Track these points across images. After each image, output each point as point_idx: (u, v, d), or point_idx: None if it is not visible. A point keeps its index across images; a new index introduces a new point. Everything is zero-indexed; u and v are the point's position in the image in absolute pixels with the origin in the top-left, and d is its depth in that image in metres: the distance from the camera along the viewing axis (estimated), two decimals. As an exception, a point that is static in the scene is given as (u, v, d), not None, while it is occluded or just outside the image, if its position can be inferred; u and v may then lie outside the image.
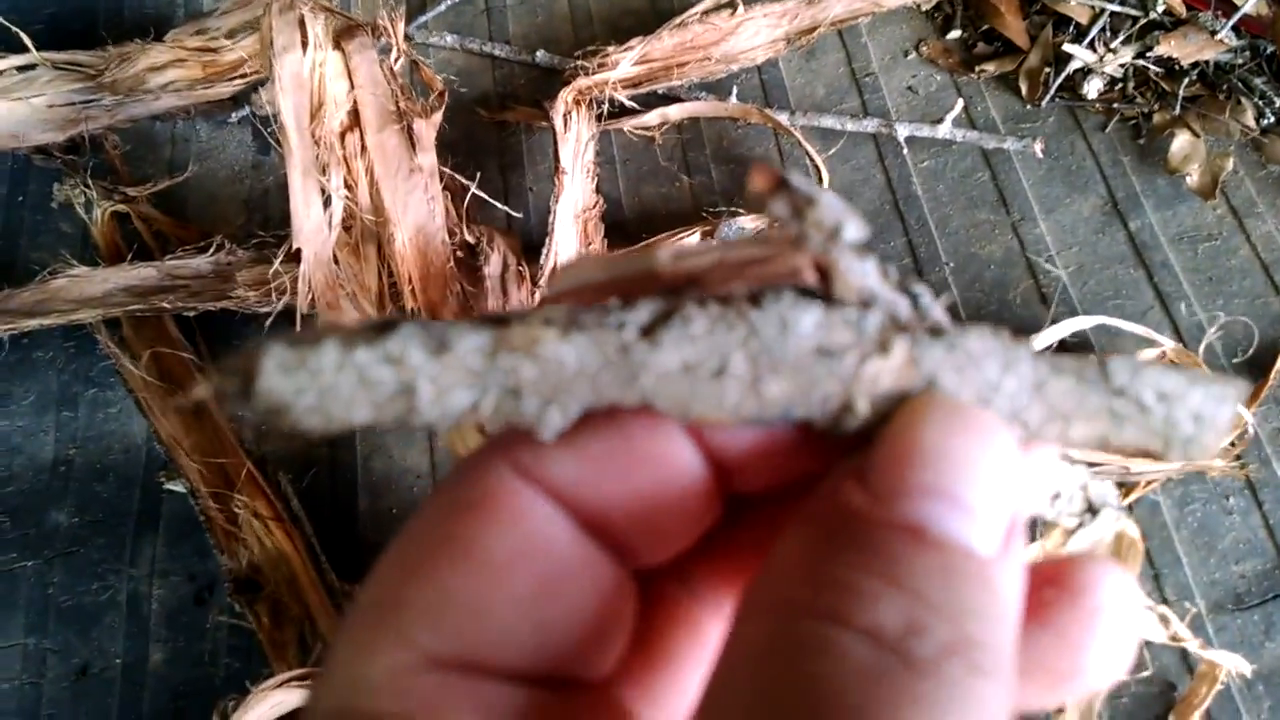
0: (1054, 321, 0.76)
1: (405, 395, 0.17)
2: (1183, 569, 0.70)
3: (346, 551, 0.76)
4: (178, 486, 0.78)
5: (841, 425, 0.18)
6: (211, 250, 0.82)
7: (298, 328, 0.74)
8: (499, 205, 0.84)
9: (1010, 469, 0.18)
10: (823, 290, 0.18)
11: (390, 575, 0.18)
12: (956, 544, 0.17)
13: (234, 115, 0.95)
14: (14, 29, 0.90)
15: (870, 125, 0.85)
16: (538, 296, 0.76)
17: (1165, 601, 0.69)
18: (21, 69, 0.92)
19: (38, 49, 0.91)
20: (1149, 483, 0.70)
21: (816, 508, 0.18)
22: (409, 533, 0.19)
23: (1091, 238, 0.81)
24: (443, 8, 0.97)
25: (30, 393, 0.85)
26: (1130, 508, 0.71)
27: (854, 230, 0.18)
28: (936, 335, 0.18)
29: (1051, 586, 0.19)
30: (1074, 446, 0.19)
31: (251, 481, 0.77)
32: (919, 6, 0.92)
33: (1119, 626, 0.19)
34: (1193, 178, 0.81)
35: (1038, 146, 0.83)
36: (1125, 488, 0.70)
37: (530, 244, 0.82)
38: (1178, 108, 0.83)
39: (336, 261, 0.75)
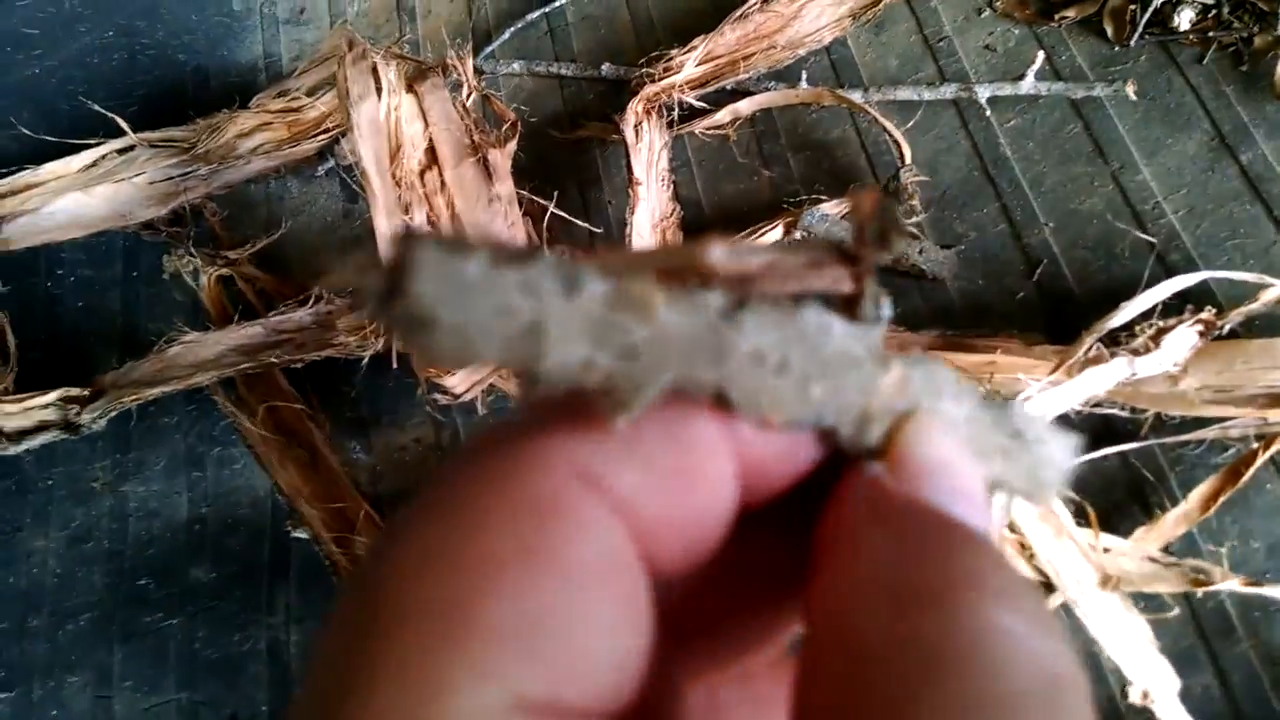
0: (1170, 271, 0.72)
1: (534, 335, 0.15)
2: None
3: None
4: (304, 534, 0.81)
5: (862, 437, 0.19)
6: (311, 302, 0.84)
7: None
8: (580, 223, 0.84)
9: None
10: (845, 306, 0.19)
11: (452, 583, 0.14)
12: (975, 526, 0.18)
13: (321, 169, 0.97)
14: (111, 115, 0.95)
15: (949, 91, 0.82)
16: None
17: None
18: (121, 151, 0.97)
19: (134, 130, 0.95)
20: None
21: (864, 513, 0.18)
22: (458, 529, 0.15)
23: (1200, 177, 0.76)
24: (507, 35, 0.98)
25: (161, 458, 0.88)
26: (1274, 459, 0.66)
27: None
28: (915, 363, 0.19)
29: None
30: (998, 487, 0.21)
31: (370, 522, 0.79)
32: (988, -38, 0.89)
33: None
34: (1306, 99, 0.75)
35: (1130, 89, 0.78)
36: (1266, 438, 0.66)
37: (615, 257, 0.82)
38: (1279, 27, 0.77)
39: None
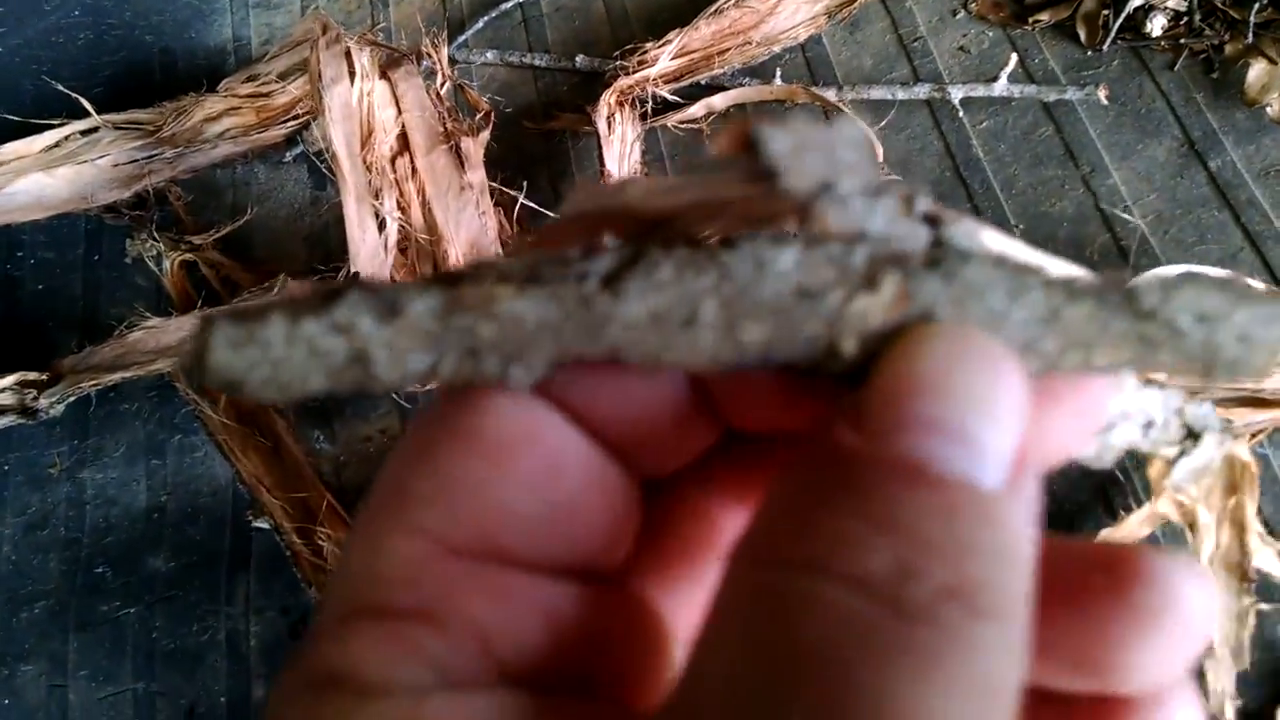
0: (1136, 274, 0.73)
1: (359, 362, 0.16)
2: (1300, 522, 0.66)
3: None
4: (265, 524, 0.80)
5: (829, 367, 0.17)
6: (275, 289, 0.83)
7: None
8: (551, 215, 0.84)
9: (1017, 397, 0.16)
10: (803, 232, 0.17)
11: (398, 468, 0.18)
12: (958, 479, 0.15)
13: (289, 154, 0.96)
14: (75, 95, 0.93)
15: (922, 91, 0.83)
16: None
17: (1285, 558, 0.65)
18: (85, 132, 0.95)
19: (98, 111, 0.94)
20: (1255, 434, 0.66)
21: (807, 450, 0.16)
22: (410, 432, 0.18)
23: (1169, 182, 0.77)
24: (481, 24, 0.97)
25: (120, 444, 0.87)
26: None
27: (852, 181, 0.17)
28: (933, 266, 0.17)
29: (1102, 573, 0.17)
30: (1100, 373, 0.17)
31: (333, 513, 0.78)
32: (964, -37, 0.89)
33: (1181, 631, 0.17)
34: (1274, 107, 0.76)
35: (1102, 93, 0.79)
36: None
37: (586, 250, 0.82)
38: (1250, 35, 0.78)
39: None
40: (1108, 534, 0.66)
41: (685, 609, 0.21)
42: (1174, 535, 0.66)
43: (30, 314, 0.95)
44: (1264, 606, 0.62)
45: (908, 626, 0.14)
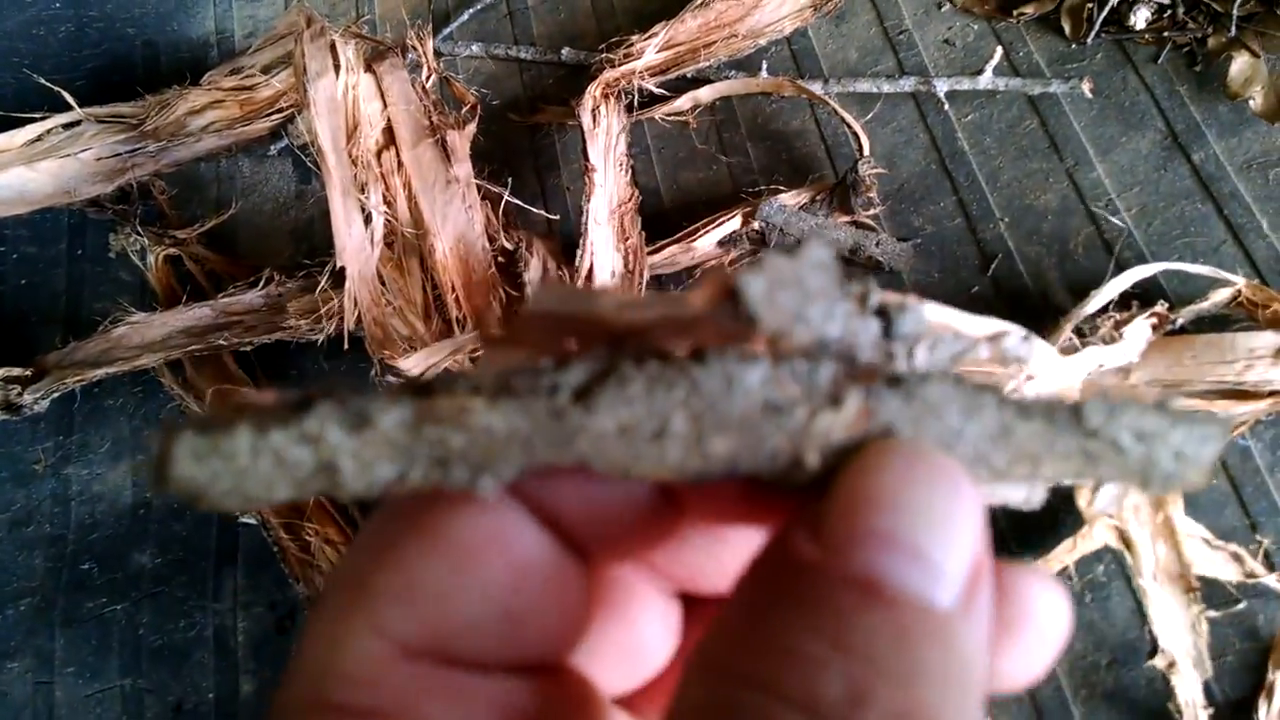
0: (1120, 267, 0.73)
1: (326, 472, 0.16)
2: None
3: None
4: (252, 520, 0.79)
5: (792, 478, 0.17)
6: (261, 284, 0.83)
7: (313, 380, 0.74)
8: (536, 211, 0.84)
9: (972, 516, 0.16)
10: (769, 346, 0.18)
11: (359, 561, 0.18)
12: (912, 598, 0.15)
13: (274, 148, 0.96)
14: (57, 89, 0.93)
15: (908, 84, 0.83)
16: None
17: (1266, 553, 0.66)
18: (67, 126, 0.94)
19: (80, 105, 0.93)
20: (1236, 426, 0.67)
21: (764, 561, 0.17)
22: (376, 522, 0.18)
23: (1153, 175, 0.77)
24: (466, 17, 0.97)
25: (105, 440, 0.87)
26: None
27: (819, 307, 0.17)
28: (894, 385, 0.17)
29: None
30: (1046, 482, 0.19)
31: (320, 509, 0.78)
32: (949, -44, 0.89)
33: (1043, 639, 0.18)
34: (1256, 101, 0.77)
35: (1086, 86, 0.79)
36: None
37: (570, 244, 0.82)
38: (1233, 29, 0.78)
39: (381, 279, 0.75)
40: (1086, 529, 0.66)
41: (623, 679, 0.22)
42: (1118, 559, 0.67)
43: (12, 310, 0.94)
44: (1213, 614, 0.63)
45: None
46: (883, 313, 0.18)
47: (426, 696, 0.16)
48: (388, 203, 0.76)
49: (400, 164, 0.77)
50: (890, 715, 0.14)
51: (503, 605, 0.17)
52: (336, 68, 0.78)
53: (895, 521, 0.16)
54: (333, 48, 0.78)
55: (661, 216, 0.83)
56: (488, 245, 0.75)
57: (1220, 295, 0.66)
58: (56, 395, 0.85)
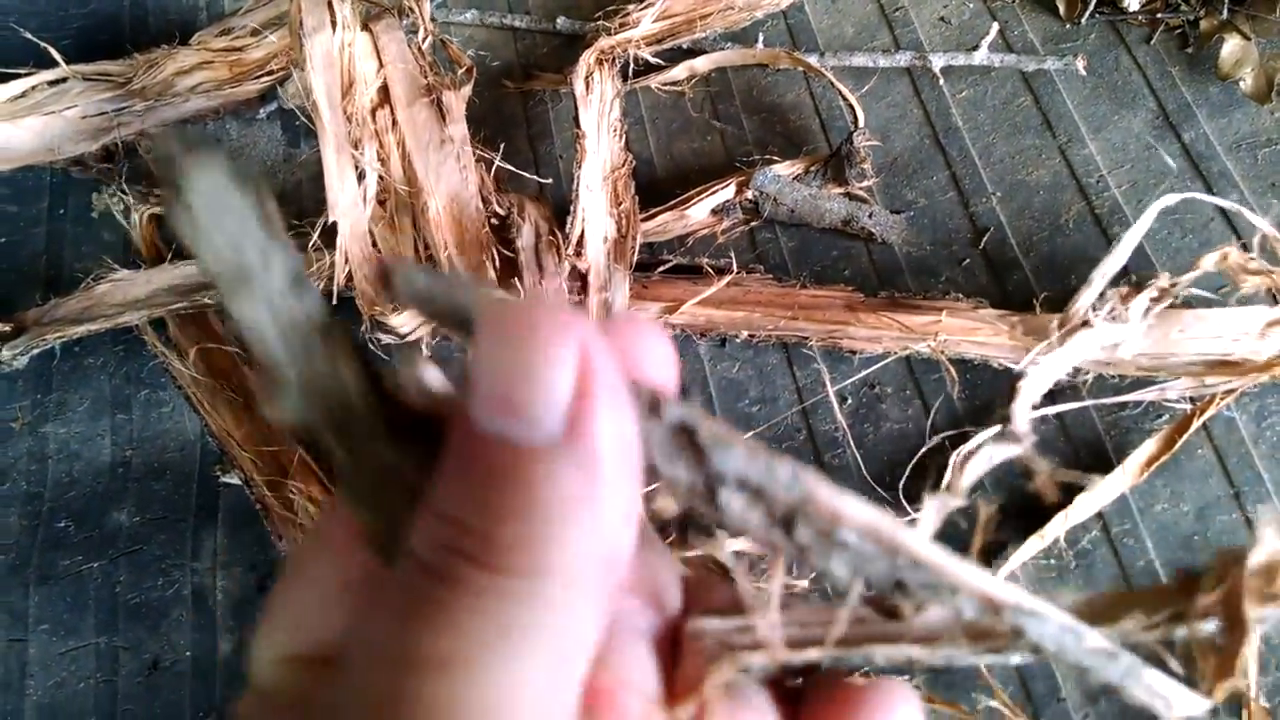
0: (1113, 245, 0.74)
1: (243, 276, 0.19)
2: (1265, 485, 0.67)
3: (405, 530, 0.75)
4: (234, 479, 0.78)
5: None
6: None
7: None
8: (529, 176, 0.83)
9: (558, 364, 0.17)
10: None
11: (272, 594, 0.21)
12: (509, 441, 0.17)
13: (263, 111, 0.95)
14: (43, 44, 0.91)
15: (903, 59, 0.83)
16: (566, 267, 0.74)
17: (1248, 521, 0.66)
18: (53, 83, 0.93)
19: (67, 62, 0.92)
20: (1223, 395, 0.67)
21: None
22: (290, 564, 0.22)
23: (1144, 154, 0.78)
24: (461, -15, 0.96)
25: (85, 399, 0.85)
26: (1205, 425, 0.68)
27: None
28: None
29: (837, 705, 0.20)
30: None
31: (305, 468, 0.77)
32: (944, -63, 0.89)
33: None
34: (1246, 82, 0.77)
35: (1080, 65, 0.80)
36: (1199, 403, 0.68)
37: (563, 210, 0.81)
38: (1225, 11, 0.79)
39: (373, 238, 0.74)
40: (1083, 497, 0.66)
41: None
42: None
43: (-8, 267, 0.93)
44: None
45: (441, 591, 0.16)
46: (689, 434, 0.18)
47: (307, 692, 0.19)
48: (381, 160, 0.75)
49: (395, 122, 0.76)
50: (468, 554, 0.16)
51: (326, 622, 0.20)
52: (333, 24, 0.77)
53: (490, 383, 0.17)
54: (330, 4, 0.78)
55: (655, 185, 0.83)
56: (481, 206, 0.75)
57: (1209, 261, 0.67)
58: (36, 352, 0.84)
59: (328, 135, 0.73)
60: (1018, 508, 0.68)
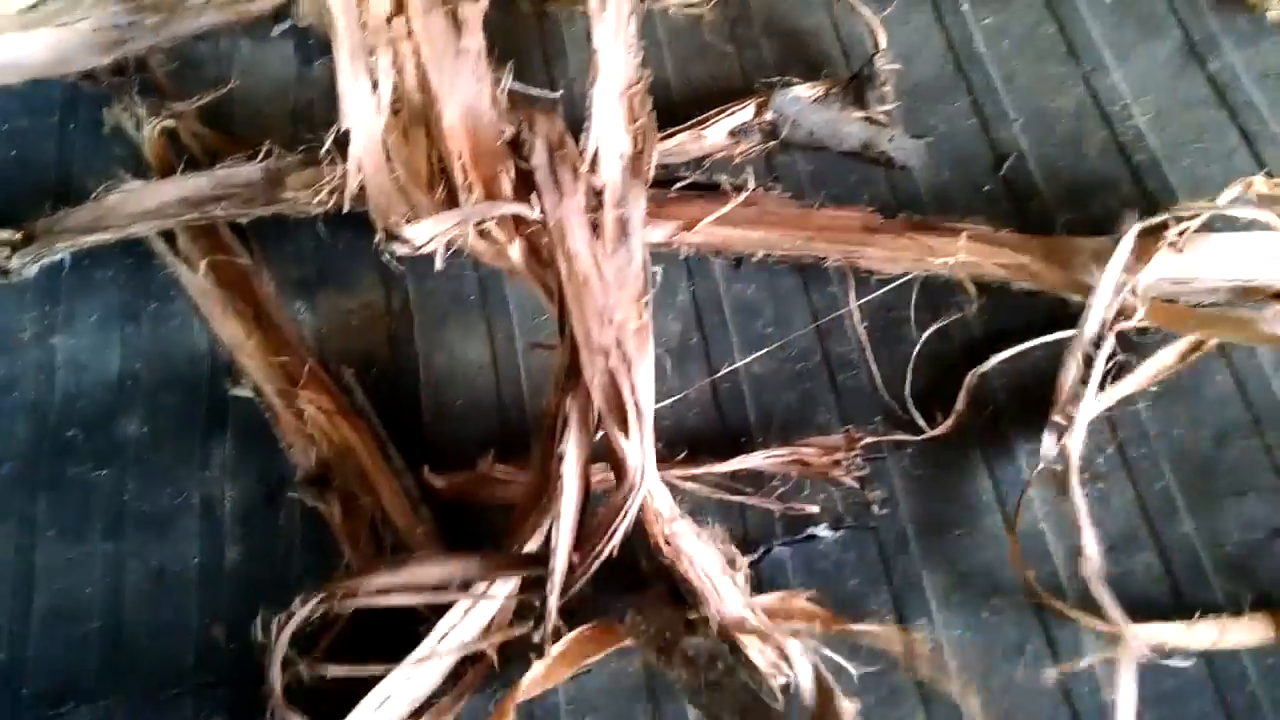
0: (1134, 171, 0.73)
1: None
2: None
3: (413, 443, 0.75)
4: (244, 391, 0.78)
5: None
6: (261, 157, 0.81)
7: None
8: (545, 94, 0.83)
9: None
10: None
11: None
12: None
13: (275, 29, 0.94)
14: (54, -45, 0.90)
15: (927, -16, 0.82)
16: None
17: (1266, 448, 0.66)
18: (64, -6, 0.92)
19: (79, -28, 0.91)
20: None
21: None
22: None
23: (1169, 82, 0.77)
24: (479, -95, 0.95)
25: (94, 311, 0.85)
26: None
27: None
28: None
29: None
30: None
31: (315, 378, 0.76)
32: None
33: None
34: (1275, 12, 0.76)
35: (1106, -8, 0.79)
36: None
37: (578, 128, 0.80)
38: (1255, -60, 0.78)
39: (386, 149, 0.74)
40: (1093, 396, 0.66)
41: None
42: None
43: (1, 180, 0.92)
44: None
45: None
46: None
47: None
48: (396, 69, 0.75)
49: (410, 31, 0.75)
50: None
51: None
52: (350, -68, 0.76)
53: None
54: (345, -88, 0.76)
55: (670, 108, 0.82)
56: (495, 117, 0.74)
57: (1235, 189, 0.66)
58: (45, 262, 0.83)
59: (341, 40, 0.72)
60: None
